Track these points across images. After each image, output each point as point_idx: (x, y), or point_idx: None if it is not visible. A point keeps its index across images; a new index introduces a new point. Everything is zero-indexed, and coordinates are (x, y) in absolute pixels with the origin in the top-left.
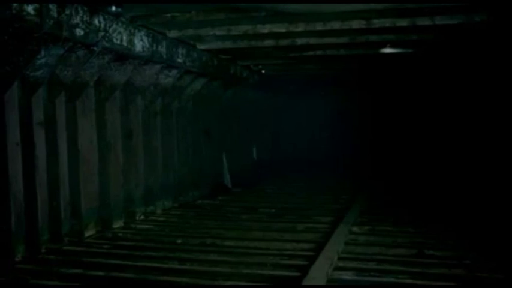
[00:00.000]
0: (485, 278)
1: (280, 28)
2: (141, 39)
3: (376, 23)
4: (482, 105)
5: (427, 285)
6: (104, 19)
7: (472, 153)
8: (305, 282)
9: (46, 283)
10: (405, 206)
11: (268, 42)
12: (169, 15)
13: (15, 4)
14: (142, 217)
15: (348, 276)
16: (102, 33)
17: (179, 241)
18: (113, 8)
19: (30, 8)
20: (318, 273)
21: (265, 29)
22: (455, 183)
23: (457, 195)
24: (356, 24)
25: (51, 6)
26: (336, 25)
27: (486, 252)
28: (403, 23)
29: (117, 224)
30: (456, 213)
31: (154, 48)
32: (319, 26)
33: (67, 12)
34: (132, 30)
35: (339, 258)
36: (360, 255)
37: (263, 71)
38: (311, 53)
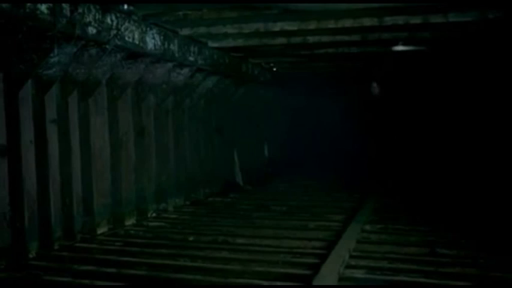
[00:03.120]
0: (499, 278)
1: (292, 26)
2: (153, 37)
3: (389, 20)
4: (497, 105)
5: (440, 284)
6: (116, 17)
7: (486, 151)
8: (316, 281)
9: (59, 279)
10: (417, 205)
11: (280, 40)
12: (181, 13)
13: (28, 3)
14: (154, 214)
15: (359, 274)
16: (114, 32)
17: (191, 238)
18: (125, 6)
19: (43, 7)
20: (330, 271)
21: (277, 27)
22: (469, 181)
23: (470, 193)
24: (368, 21)
25: (64, 5)
26: (347, 23)
27: (500, 252)
28: (415, 20)
29: (129, 221)
30: (469, 212)
31: (166, 46)
32: (331, 24)
33: (80, 10)
34: (144, 29)
35: (351, 257)
36: (372, 253)
37: (275, 69)
38: (323, 51)
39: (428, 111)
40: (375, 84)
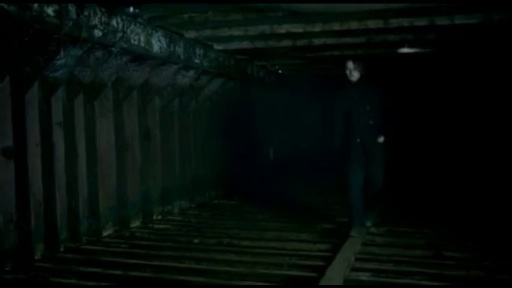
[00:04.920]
0: (505, 281)
1: (297, 28)
2: (159, 40)
3: (394, 22)
4: (502, 106)
5: (444, 287)
6: (122, 20)
7: (491, 152)
8: (322, 283)
9: (65, 281)
10: (422, 207)
11: (285, 43)
12: (186, 15)
13: (35, 6)
14: (159, 217)
15: (365, 277)
16: (120, 34)
17: (196, 241)
18: (131, 9)
19: (50, 10)
20: (335, 273)
21: (282, 29)
22: (473, 183)
23: (475, 195)
24: (373, 24)
25: (70, 7)
26: (353, 25)
27: (506, 254)
28: (421, 22)
29: (135, 224)
30: (475, 214)
31: (172, 48)
32: (336, 26)
33: (86, 13)
34: (150, 31)
35: (356, 259)
36: (377, 256)
37: (280, 71)
38: (328, 53)
39: (432, 112)
40: (350, 65)
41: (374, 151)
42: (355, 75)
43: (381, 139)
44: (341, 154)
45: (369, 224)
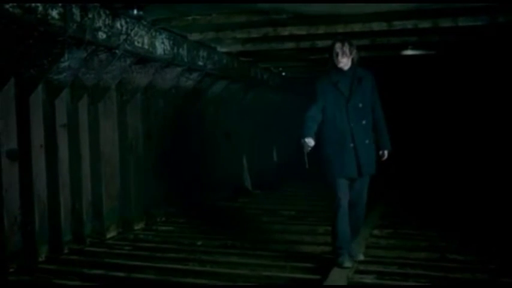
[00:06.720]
0: (510, 284)
1: (301, 30)
2: (162, 42)
3: (398, 24)
4: (505, 108)
5: None
6: (126, 22)
7: (495, 154)
8: (326, 285)
9: (68, 283)
10: (426, 209)
11: (289, 45)
12: (190, 18)
13: (40, 8)
14: (163, 218)
15: (368, 279)
16: (124, 37)
17: (199, 243)
18: (135, 11)
19: (54, 12)
20: (339, 276)
21: (286, 31)
22: (477, 184)
23: (478, 197)
24: (377, 26)
25: (74, 10)
26: (356, 27)
27: (510, 257)
28: (425, 24)
29: (139, 226)
30: (478, 217)
31: (176, 51)
32: (340, 28)
33: (90, 16)
34: (154, 33)
35: (360, 262)
36: (381, 258)
37: (283, 73)
38: None
39: (434, 112)
40: (338, 47)
41: (364, 162)
42: (344, 62)
43: (385, 153)
44: (319, 159)
45: (361, 257)
